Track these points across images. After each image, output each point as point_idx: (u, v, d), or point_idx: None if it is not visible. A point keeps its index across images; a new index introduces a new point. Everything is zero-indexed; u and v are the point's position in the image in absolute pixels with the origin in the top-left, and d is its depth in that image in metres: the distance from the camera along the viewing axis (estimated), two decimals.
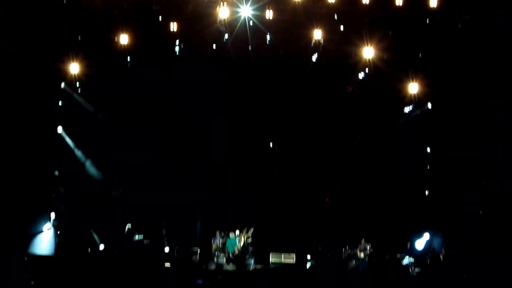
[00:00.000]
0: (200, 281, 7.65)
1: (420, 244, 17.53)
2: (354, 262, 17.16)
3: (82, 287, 8.32)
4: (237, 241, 17.30)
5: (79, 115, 17.71)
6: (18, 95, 16.07)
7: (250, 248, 17.43)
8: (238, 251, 17.22)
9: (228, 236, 17.33)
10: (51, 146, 17.25)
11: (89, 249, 15.23)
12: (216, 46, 17.95)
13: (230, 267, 16.09)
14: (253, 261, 17.20)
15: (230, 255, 17.16)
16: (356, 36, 17.67)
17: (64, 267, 11.36)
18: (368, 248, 17.25)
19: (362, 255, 17.28)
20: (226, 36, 17.82)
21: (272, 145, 18.84)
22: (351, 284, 9.55)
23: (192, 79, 17.83)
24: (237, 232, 17.44)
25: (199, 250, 17.05)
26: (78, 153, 17.87)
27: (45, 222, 16.58)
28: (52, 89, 17.18)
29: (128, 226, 16.64)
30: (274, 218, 17.99)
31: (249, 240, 17.41)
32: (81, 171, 17.88)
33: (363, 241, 17.40)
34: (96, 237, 16.41)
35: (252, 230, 17.43)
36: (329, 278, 10.33)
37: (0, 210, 15.21)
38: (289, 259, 17.36)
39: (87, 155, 18.03)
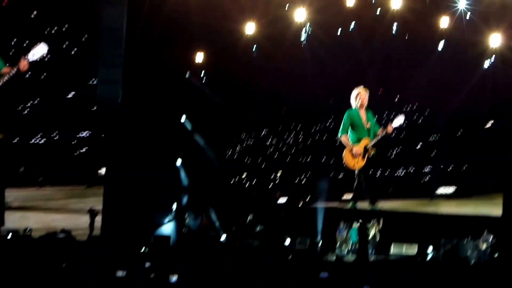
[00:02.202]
0: (325, 275, 7.53)
1: None
2: (475, 253, 16.68)
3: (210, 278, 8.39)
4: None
5: (203, 105, 17.89)
6: (144, 86, 16.16)
7: (375, 240, 17.24)
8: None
9: (352, 226, 17.24)
10: (175, 136, 17.56)
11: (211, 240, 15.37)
12: (340, 32, 17.65)
13: (350, 258, 15.91)
14: (373, 252, 17.03)
15: (353, 246, 17.03)
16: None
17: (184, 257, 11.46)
18: (490, 239, 16.69)
19: (484, 246, 16.75)
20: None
21: None
22: (471, 277, 9.19)
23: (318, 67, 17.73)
24: (359, 223, 17.33)
25: (321, 241, 16.97)
26: (201, 142, 18.17)
27: (168, 214, 16.95)
28: (177, 78, 17.37)
29: (250, 216, 16.75)
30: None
31: (377, 231, 17.24)
32: (203, 161, 18.19)
33: (486, 231, 16.85)
34: (218, 227, 16.57)
35: (382, 221, 17.24)
36: (449, 271, 9.99)
37: (125, 201, 15.59)
38: (410, 250, 16.98)
39: (209, 145, 18.31)
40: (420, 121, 20.23)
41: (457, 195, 19.66)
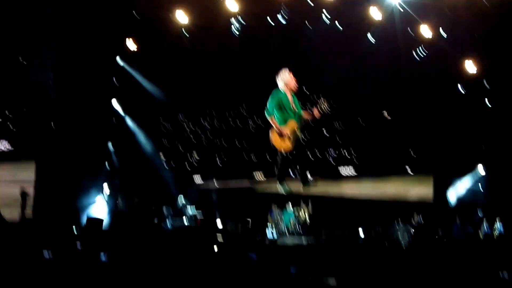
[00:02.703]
0: (253, 255, 7.63)
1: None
2: (406, 236, 17.20)
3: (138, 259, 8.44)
4: (293, 214, 17.55)
5: (133, 89, 17.84)
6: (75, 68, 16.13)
7: (306, 223, 17.61)
8: (294, 225, 17.46)
9: (284, 208, 17.57)
10: (105, 119, 17.51)
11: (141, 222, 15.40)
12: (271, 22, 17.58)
13: (283, 241, 16.18)
14: (305, 236, 17.37)
15: (285, 228, 17.37)
16: None
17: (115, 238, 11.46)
18: (420, 222, 17.22)
19: (413, 229, 17.25)
20: None
21: None
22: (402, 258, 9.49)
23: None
24: (291, 205, 17.67)
25: (250, 222, 17.17)
26: (132, 125, 18.13)
27: (98, 194, 16.85)
28: (108, 62, 17.30)
29: (181, 198, 16.77)
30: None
31: (307, 215, 17.61)
32: (134, 145, 18.16)
33: (415, 214, 17.43)
34: (150, 211, 16.60)
35: (310, 205, 17.58)
36: (377, 251, 10.27)
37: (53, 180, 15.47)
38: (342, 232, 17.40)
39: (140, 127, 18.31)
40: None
41: (358, 176, 20.10)
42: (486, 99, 17.67)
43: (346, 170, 20.20)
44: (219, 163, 20.13)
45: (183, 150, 20.10)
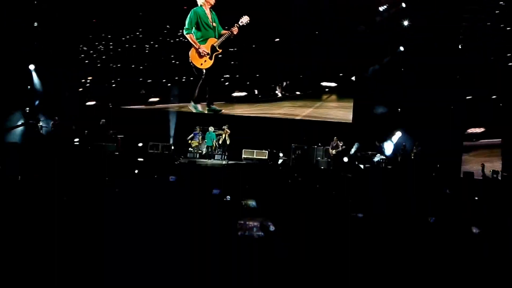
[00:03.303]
0: (173, 178, 7.54)
1: (390, 142, 17.87)
2: (326, 159, 17.46)
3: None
4: (215, 136, 17.59)
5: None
6: None
7: (227, 145, 17.69)
8: (216, 146, 17.52)
9: (207, 130, 17.59)
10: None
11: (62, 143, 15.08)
12: None
13: (204, 162, 16.16)
14: (225, 157, 17.47)
15: (206, 149, 17.44)
16: None
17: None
18: (340, 146, 17.46)
19: (333, 152, 17.52)
20: None
21: None
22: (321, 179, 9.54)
23: None
24: (212, 128, 17.68)
25: (172, 145, 17.08)
26: None
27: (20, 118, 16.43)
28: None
29: (103, 120, 16.53)
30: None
31: (227, 137, 17.65)
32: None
33: (335, 138, 17.62)
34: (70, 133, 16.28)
35: (226, 126, 17.61)
36: (300, 172, 10.25)
37: None
38: (261, 155, 17.51)
39: None
40: None
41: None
42: None
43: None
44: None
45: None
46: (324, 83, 18.73)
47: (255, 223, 3.29)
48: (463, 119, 17.19)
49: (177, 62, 16.83)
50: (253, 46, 17.33)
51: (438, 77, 16.93)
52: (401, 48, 17.79)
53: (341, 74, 18.73)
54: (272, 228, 3.29)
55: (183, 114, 17.80)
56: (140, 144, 16.69)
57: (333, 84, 18.80)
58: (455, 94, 16.80)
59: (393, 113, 17.93)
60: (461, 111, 16.98)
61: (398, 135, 17.80)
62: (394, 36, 17.57)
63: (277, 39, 17.90)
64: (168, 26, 17.34)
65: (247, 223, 3.30)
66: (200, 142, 17.62)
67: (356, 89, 18.64)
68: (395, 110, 18.07)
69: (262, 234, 3.27)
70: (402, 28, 17.52)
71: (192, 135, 17.59)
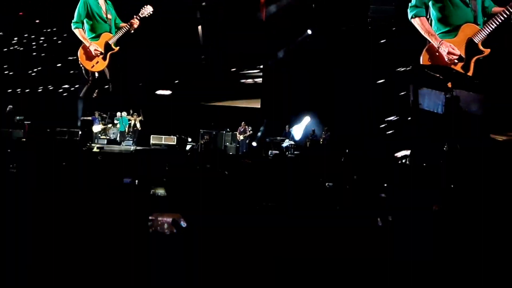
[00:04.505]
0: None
1: (300, 127, 18.17)
2: (235, 145, 17.63)
3: None
4: (127, 121, 17.49)
5: None
6: None
7: (137, 130, 17.60)
8: (129, 132, 17.43)
9: (119, 116, 17.46)
10: None
11: None
12: None
13: (111, 148, 16.00)
14: (133, 143, 17.35)
15: (119, 134, 17.32)
16: None
17: None
18: (248, 131, 17.64)
19: (241, 137, 17.68)
20: None
21: None
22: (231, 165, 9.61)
23: None
24: (125, 113, 17.59)
25: (80, 132, 16.77)
26: None
27: None
28: None
29: (10, 107, 16.13)
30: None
31: (138, 123, 17.56)
32: None
33: (243, 123, 17.78)
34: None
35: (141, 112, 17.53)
36: (208, 158, 10.30)
37: None
38: (170, 141, 17.49)
39: None
40: None
41: None
42: None
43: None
44: None
45: None
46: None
47: (167, 219, 3.30)
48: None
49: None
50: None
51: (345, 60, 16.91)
52: (309, 32, 17.93)
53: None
54: (184, 224, 3.30)
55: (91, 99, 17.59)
56: (48, 130, 16.39)
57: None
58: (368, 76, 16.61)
59: (301, 97, 18.18)
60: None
61: (307, 120, 18.08)
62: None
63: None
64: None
65: (158, 218, 3.31)
66: (107, 127, 17.42)
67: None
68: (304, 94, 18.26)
69: (174, 231, 3.28)
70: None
71: (91, 119, 17.31)
